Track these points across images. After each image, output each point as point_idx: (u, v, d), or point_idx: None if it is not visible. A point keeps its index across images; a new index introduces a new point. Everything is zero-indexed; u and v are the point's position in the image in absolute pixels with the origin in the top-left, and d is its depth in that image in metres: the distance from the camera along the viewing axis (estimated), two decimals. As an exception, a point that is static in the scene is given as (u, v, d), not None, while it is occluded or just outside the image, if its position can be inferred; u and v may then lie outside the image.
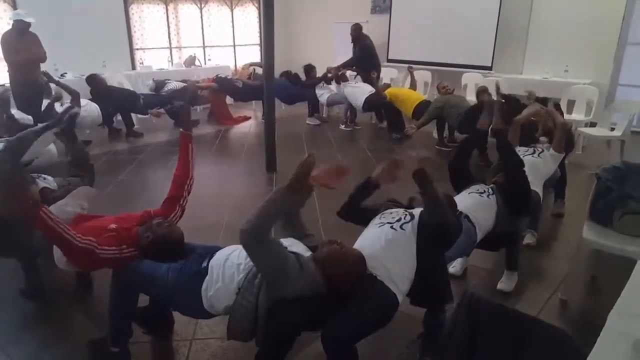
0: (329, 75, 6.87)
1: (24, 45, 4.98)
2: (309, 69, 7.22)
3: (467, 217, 2.42)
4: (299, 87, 7.12)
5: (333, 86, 6.92)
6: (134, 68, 7.57)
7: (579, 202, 3.45)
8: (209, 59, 8.53)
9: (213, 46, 8.76)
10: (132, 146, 5.85)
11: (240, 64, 9.10)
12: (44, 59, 5.12)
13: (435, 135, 5.90)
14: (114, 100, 5.98)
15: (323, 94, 6.97)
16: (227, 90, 7.17)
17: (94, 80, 5.93)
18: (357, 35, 6.85)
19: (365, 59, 6.83)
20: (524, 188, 2.65)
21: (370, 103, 6.36)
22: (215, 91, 7.01)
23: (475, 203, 2.56)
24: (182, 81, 7.01)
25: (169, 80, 6.88)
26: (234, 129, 6.84)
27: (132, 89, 6.48)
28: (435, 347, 1.98)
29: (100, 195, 2.75)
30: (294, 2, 9.30)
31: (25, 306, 2.58)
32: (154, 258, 2.08)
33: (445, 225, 1.94)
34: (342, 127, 6.85)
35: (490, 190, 2.67)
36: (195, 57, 8.10)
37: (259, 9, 9.16)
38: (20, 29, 4.95)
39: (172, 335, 2.35)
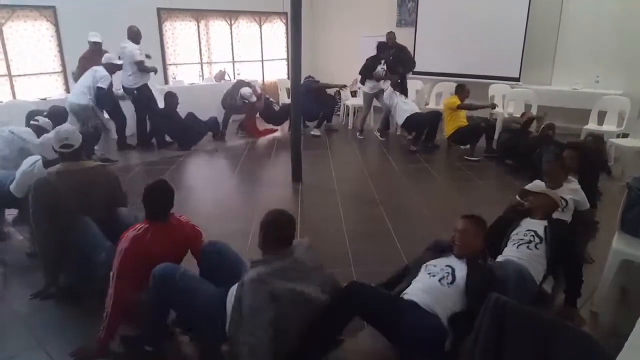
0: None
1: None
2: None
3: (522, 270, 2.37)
4: (315, 96, 7.26)
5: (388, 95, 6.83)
6: (166, 82, 7.86)
7: (611, 213, 3.38)
8: (239, 74, 8.76)
9: (242, 61, 9.00)
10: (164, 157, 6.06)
11: (267, 79, 9.33)
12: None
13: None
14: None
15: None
16: (266, 112, 7.35)
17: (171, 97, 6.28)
18: (394, 40, 6.94)
19: (409, 60, 6.98)
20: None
21: (412, 121, 6.41)
22: (254, 106, 7.16)
23: (526, 257, 2.47)
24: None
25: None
26: (261, 141, 6.99)
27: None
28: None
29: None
30: (321, 17, 9.49)
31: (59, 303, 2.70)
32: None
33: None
34: (359, 135, 6.99)
35: (535, 237, 2.55)
36: (225, 71, 8.33)
37: (286, 24, 9.37)
38: (94, 49, 5.75)
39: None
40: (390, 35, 6.89)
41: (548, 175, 3.12)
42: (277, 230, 2.04)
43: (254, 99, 6.92)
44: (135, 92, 6.06)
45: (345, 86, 7.10)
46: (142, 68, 5.92)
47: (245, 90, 6.89)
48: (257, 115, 7.28)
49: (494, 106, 6.40)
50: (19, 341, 2.39)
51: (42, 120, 3.96)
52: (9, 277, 3.10)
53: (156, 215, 2.28)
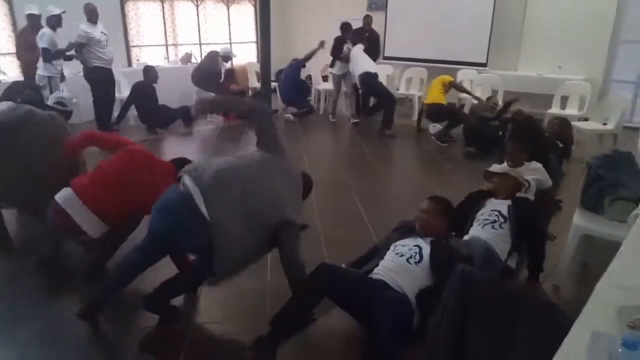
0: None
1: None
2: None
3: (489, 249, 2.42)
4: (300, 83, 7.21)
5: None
6: (130, 65, 7.58)
7: (572, 193, 3.49)
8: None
9: (209, 43, 8.76)
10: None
11: (236, 62, 9.14)
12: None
13: (431, 131, 5.96)
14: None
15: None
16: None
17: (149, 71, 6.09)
18: (370, 26, 6.91)
19: (377, 50, 6.97)
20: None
21: (365, 81, 6.37)
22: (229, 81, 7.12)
23: (492, 237, 2.51)
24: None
25: None
26: (230, 126, 6.87)
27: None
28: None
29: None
30: (291, 0, 9.33)
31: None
32: None
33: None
34: (331, 118, 7.02)
35: (499, 216, 2.58)
36: (191, 54, 8.11)
37: (255, 6, 9.18)
38: (34, 23, 5.29)
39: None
40: (368, 19, 6.86)
41: (508, 155, 3.19)
42: None
43: (235, 55, 6.75)
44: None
45: (323, 42, 7.02)
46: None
47: (225, 48, 6.76)
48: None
49: (476, 97, 6.13)
50: None
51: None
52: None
53: None
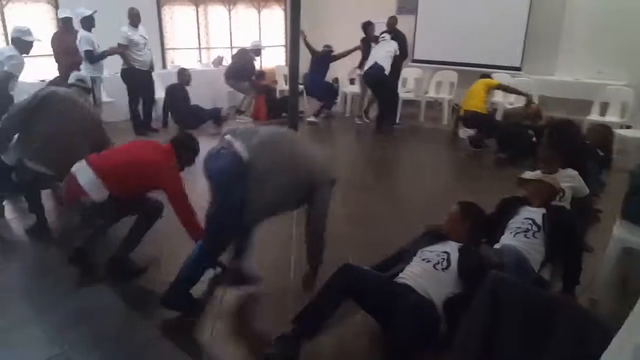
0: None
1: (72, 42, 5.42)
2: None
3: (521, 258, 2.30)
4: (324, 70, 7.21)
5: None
6: (164, 67, 7.76)
7: (614, 203, 3.32)
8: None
9: (240, 47, 8.86)
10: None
11: (265, 65, 9.23)
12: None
13: (461, 135, 5.81)
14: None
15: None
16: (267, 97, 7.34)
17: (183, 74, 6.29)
18: (394, 27, 6.85)
19: (404, 50, 6.93)
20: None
21: (368, 77, 6.32)
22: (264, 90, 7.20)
23: (524, 246, 2.40)
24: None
25: None
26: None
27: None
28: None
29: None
30: (320, 4, 9.35)
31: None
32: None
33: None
34: (357, 121, 6.92)
35: (533, 225, 2.47)
36: (222, 57, 8.24)
37: (285, 10, 9.25)
38: (68, 27, 5.41)
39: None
40: (391, 20, 6.80)
41: (542, 161, 3.06)
42: None
43: (264, 48, 7.04)
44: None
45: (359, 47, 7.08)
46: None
47: (255, 42, 6.83)
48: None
49: (530, 97, 5.74)
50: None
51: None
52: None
53: None
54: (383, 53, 6.35)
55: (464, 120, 5.87)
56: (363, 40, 6.78)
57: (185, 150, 2.73)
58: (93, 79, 5.39)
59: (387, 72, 6.29)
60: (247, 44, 7.91)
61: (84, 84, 3.62)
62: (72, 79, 3.63)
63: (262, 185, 2.13)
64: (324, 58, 7.15)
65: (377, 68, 6.24)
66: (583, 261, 2.48)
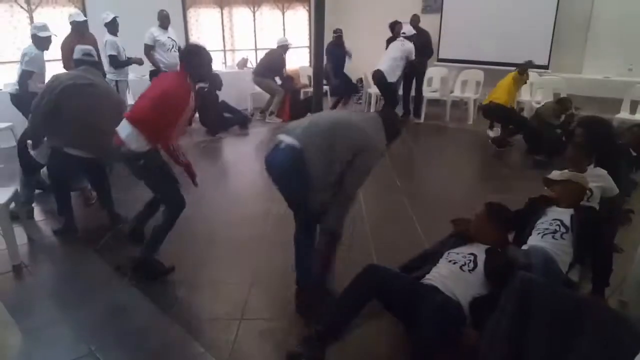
0: None
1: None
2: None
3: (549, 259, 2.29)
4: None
5: None
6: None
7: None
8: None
9: (265, 49, 8.95)
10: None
11: (289, 66, 9.31)
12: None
13: (491, 135, 5.75)
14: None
15: None
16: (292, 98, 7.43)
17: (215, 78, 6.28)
18: (417, 25, 6.87)
19: (429, 48, 6.96)
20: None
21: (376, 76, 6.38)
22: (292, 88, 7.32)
23: (552, 247, 2.38)
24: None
25: None
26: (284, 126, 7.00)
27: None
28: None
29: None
30: (344, 4, 9.37)
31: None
32: None
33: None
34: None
35: (561, 226, 2.45)
36: (247, 59, 8.35)
37: (309, 11, 9.31)
38: (80, 30, 5.12)
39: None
40: (414, 18, 6.80)
41: (569, 160, 3.02)
42: None
43: (291, 44, 7.20)
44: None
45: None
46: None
47: (281, 38, 7.01)
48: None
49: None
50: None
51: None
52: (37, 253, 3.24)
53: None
54: (388, 57, 6.40)
55: (483, 111, 5.71)
56: (389, 40, 6.79)
57: (194, 67, 2.73)
58: (117, 83, 5.53)
59: (389, 77, 6.31)
60: (271, 45, 8.01)
61: (91, 57, 3.45)
62: (77, 53, 3.43)
63: (321, 163, 2.24)
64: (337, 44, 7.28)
65: (378, 72, 6.35)
66: (613, 262, 2.45)
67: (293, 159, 2.25)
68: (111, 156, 3.21)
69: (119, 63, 5.50)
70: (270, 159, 2.38)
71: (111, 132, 2.75)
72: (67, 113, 3.13)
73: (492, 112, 5.58)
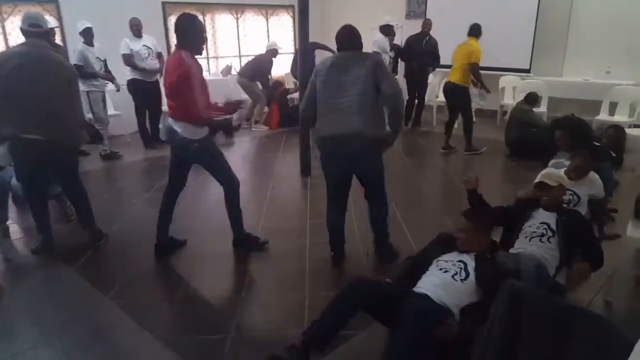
0: None
1: None
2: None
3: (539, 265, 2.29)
4: None
5: None
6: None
7: (625, 203, 3.32)
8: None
9: (249, 55, 8.91)
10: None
11: (275, 72, 9.30)
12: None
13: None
14: None
15: None
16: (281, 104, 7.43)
17: None
18: (428, 30, 6.92)
19: (438, 56, 7.00)
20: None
21: None
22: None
23: (540, 251, 2.41)
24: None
25: None
26: (267, 136, 6.98)
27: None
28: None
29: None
30: (328, 10, 9.43)
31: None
32: None
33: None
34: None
35: (548, 230, 2.48)
36: (231, 66, 8.30)
37: (293, 17, 9.32)
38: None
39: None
40: (427, 22, 6.92)
41: (574, 171, 2.91)
42: None
43: (280, 47, 7.18)
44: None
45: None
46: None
47: (270, 42, 6.98)
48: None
49: (487, 91, 5.83)
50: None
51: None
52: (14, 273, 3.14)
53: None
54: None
55: (444, 93, 5.84)
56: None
57: (188, 41, 2.86)
58: (87, 94, 5.28)
59: None
60: (255, 52, 8.00)
61: (38, 28, 3.07)
62: (24, 23, 3.06)
63: (369, 114, 2.86)
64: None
65: None
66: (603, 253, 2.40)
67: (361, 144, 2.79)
68: (71, 140, 3.16)
69: (84, 73, 5.21)
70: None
71: (63, 112, 2.72)
72: (16, 96, 2.91)
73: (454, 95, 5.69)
